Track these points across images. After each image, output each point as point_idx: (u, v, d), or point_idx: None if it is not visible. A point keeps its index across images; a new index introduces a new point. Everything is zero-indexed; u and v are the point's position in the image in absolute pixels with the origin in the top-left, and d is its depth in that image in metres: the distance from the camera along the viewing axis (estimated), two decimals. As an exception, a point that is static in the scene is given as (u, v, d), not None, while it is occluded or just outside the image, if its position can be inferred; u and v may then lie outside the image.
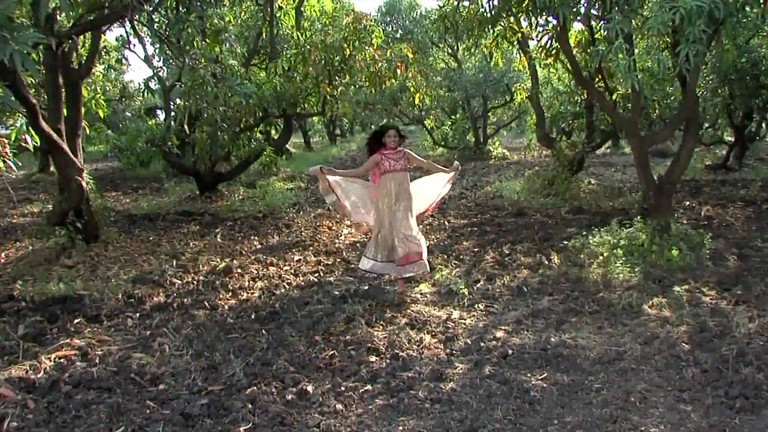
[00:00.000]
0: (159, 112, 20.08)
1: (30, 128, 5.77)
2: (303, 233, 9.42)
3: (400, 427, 3.75)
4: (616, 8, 6.15)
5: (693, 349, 4.61)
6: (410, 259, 6.25)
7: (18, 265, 7.50)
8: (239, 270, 7.30)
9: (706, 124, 14.12)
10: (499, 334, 5.13)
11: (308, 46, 10.47)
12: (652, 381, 4.20)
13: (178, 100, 13.16)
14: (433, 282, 6.60)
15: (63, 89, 8.23)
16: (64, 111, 8.17)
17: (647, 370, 4.37)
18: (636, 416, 3.74)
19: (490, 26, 8.78)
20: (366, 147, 6.59)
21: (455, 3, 9.16)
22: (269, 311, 5.89)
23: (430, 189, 6.89)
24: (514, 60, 16.40)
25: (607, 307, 5.60)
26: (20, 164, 6.16)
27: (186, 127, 11.50)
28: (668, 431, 3.57)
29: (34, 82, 11.30)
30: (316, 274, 7.20)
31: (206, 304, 6.10)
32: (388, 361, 4.72)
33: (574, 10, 7.03)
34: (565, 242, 7.78)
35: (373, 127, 50.12)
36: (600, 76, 9.68)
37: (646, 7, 6.47)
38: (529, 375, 4.35)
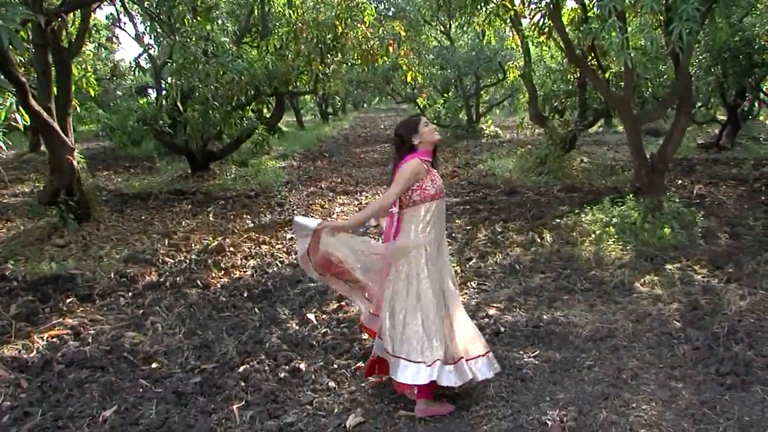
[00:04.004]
0: (150, 90, 19.93)
1: (20, 107, 5.70)
2: (295, 211, 9.39)
3: (393, 405, 3.77)
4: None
5: (684, 327, 4.64)
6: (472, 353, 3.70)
7: (9, 244, 7.45)
8: (231, 248, 7.29)
9: (699, 103, 14.10)
10: (492, 311, 5.15)
11: (300, 24, 10.37)
12: (644, 358, 4.22)
13: (169, 79, 13.05)
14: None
15: (53, 68, 8.14)
16: (54, 90, 8.08)
17: (639, 347, 4.39)
18: (627, 393, 3.77)
19: (482, 4, 8.72)
20: (394, 152, 3.72)
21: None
22: (261, 289, 5.90)
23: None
24: (506, 38, 16.32)
25: (599, 285, 5.62)
26: (10, 143, 6.09)
27: (179, 105, 11.42)
28: (659, 408, 3.60)
29: (23, 60, 11.16)
30: (309, 253, 7.18)
31: (198, 282, 6.10)
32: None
33: (568, -13, 6.98)
34: (558, 220, 7.78)
35: (365, 105, 46.06)
36: (593, 54, 9.62)
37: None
38: (521, 352, 4.37)
